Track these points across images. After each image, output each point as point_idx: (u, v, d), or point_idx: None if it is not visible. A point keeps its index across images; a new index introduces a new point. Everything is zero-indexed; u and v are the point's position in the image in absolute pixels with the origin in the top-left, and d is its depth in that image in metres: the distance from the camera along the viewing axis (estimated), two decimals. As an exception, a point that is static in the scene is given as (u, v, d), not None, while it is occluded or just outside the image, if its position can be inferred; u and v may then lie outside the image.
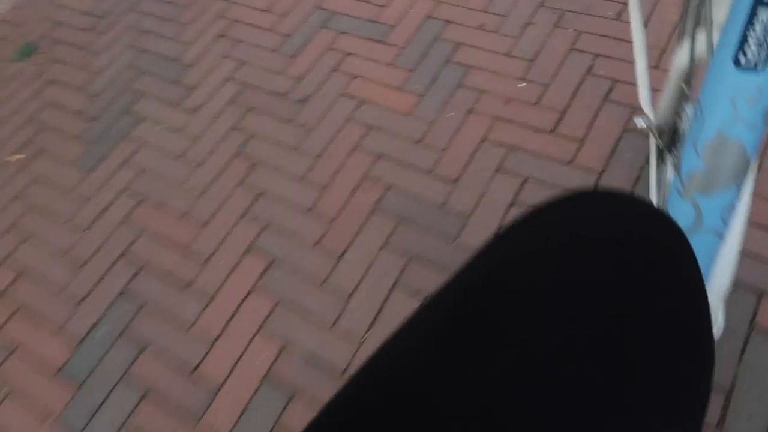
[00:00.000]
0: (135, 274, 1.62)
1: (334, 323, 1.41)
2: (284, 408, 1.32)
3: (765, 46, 0.48)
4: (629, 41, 1.67)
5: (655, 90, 1.48)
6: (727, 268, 0.71)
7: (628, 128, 1.55)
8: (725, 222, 0.49)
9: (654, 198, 1.15)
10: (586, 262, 0.35)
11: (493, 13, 1.91)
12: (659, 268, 0.36)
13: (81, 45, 2.30)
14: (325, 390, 1.33)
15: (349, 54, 1.95)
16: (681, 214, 0.50)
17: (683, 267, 0.37)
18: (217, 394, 1.38)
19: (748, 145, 0.49)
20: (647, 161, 1.47)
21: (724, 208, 0.48)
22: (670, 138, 1.05)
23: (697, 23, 0.72)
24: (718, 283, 0.71)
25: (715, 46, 0.53)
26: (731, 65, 0.49)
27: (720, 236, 0.49)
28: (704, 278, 0.41)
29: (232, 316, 1.48)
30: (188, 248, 1.62)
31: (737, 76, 0.49)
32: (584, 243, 0.36)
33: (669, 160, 1.07)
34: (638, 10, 0.90)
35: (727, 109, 0.49)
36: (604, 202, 0.39)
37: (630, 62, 1.67)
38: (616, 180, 1.47)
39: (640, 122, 1.03)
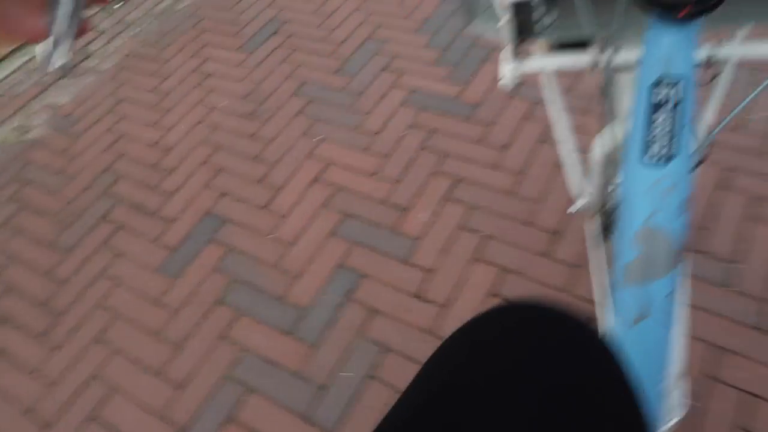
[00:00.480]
0: None
1: None
2: None
3: (667, 141, 0.51)
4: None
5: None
6: (678, 352, 0.73)
7: None
8: (667, 309, 0.49)
9: (596, 285, 1.15)
10: (515, 389, 0.37)
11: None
12: (590, 389, 0.38)
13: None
14: None
15: (237, 332, 1.61)
16: (624, 304, 0.50)
17: (612, 381, 0.39)
18: None
19: (674, 234, 0.50)
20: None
21: (664, 295, 0.49)
22: (606, 221, 1.05)
23: (609, 118, 0.76)
24: (671, 368, 0.72)
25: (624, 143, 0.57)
26: (641, 161, 0.51)
27: (664, 324, 0.49)
28: (660, 366, 0.46)
29: None
30: None
31: (648, 171, 0.51)
32: (515, 368, 0.38)
33: (606, 245, 1.08)
34: (557, 93, 0.93)
35: (647, 202, 0.50)
36: (521, 318, 0.42)
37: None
38: None
39: (575, 209, 1.05)
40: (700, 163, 0.72)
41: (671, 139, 0.52)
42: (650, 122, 0.53)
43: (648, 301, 0.50)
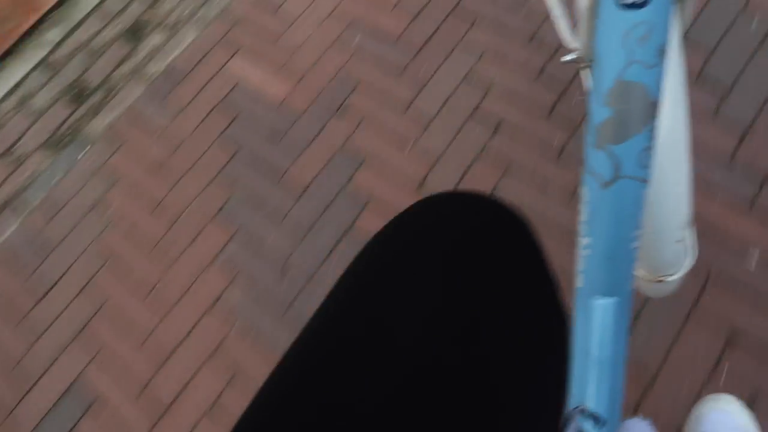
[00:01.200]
0: None
1: None
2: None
3: None
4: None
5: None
6: (678, 201, 0.70)
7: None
8: (644, 166, 0.45)
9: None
10: (441, 269, 0.40)
11: None
12: (509, 267, 0.42)
13: None
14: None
15: None
16: (598, 165, 0.46)
17: (529, 262, 0.44)
18: None
19: (650, 86, 0.44)
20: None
21: (640, 153, 0.45)
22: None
23: None
24: (669, 220, 0.71)
25: None
26: (615, 7, 0.44)
27: (642, 181, 0.45)
28: (638, 224, 0.44)
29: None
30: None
31: (623, 17, 0.44)
32: (437, 250, 0.42)
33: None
34: None
35: (621, 53, 0.44)
36: (450, 204, 0.45)
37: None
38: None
39: (566, 59, 0.89)
40: None
41: None
42: None
43: (623, 160, 0.45)
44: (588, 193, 0.45)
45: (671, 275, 0.79)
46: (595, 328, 0.44)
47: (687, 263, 0.79)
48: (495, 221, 0.44)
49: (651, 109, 0.45)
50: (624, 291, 0.45)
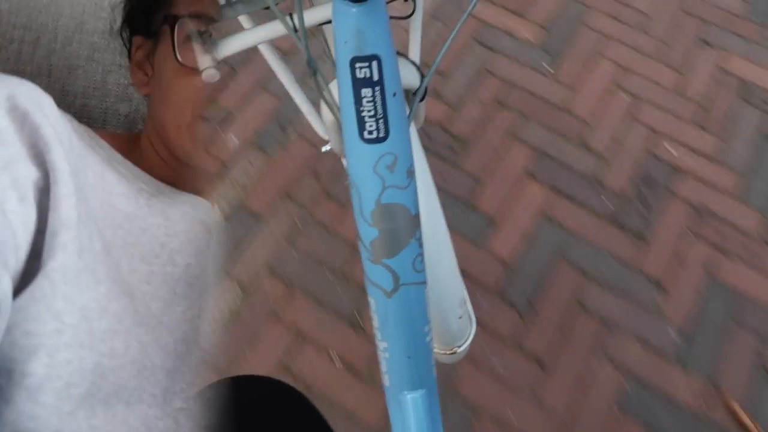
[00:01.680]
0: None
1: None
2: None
3: (379, 118, 0.45)
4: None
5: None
6: (452, 286, 0.78)
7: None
8: (419, 270, 0.49)
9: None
10: None
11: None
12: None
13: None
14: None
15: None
16: (379, 279, 0.49)
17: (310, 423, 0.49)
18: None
19: (408, 204, 0.48)
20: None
21: (413, 260, 0.48)
22: None
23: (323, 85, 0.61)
24: (449, 303, 0.79)
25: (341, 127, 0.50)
26: (360, 142, 0.46)
27: (420, 284, 0.49)
28: (424, 318, 0.48)
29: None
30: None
31: (369, 150, 0.46)
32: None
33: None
34: (278, 61, 0.81)
35: (375, 180, 0.47)
36: (239, 387, 0.49)
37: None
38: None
39: (325, 149, 1.01)
40: (422, 98, 0.61)
41: (383, 114, 0.45)
42: (359, 98, 0.44)
43: (399, 271, 0.48)
44: (375, 303, 0.48)
45: (461, 345, 0.86)
46: (410, 421, 0.48)
47: (471, 332, 0.87)
48: (279, 399, 0.49)
49: (414, 222, 0.48)
50: (429, 380, 0.49)
